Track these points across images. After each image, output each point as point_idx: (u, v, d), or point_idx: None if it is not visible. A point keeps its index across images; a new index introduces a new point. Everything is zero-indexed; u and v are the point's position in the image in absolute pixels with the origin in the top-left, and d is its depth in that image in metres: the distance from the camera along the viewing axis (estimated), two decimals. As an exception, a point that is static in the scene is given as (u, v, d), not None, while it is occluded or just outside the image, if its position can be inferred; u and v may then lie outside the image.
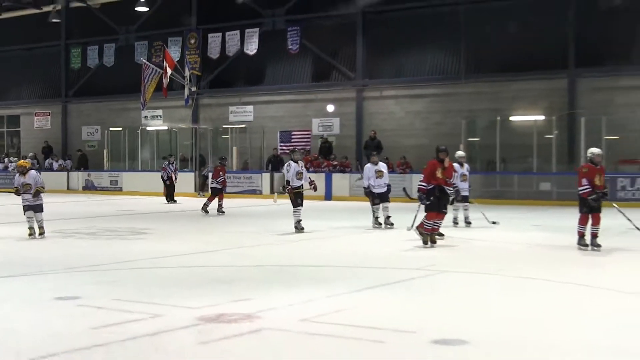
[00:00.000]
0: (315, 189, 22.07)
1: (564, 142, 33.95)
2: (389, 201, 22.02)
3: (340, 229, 21.70)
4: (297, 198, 20.70)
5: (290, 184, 20.74)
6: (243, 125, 42.68)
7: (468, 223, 21.78)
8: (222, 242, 18.79)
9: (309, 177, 22.09)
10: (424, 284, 12.54)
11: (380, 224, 21.66)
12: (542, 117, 34.64)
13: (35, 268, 13.81)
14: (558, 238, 19.14)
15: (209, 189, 28.85)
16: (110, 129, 45.56)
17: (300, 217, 20.61)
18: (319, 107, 40.98)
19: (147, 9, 44.17)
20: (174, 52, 42.94)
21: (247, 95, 43.18)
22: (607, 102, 33.83)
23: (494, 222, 21.55)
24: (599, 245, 16.25)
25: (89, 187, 43.53)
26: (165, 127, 45.02)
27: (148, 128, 45.12)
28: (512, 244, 18.03)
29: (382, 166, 22.38)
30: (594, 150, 17.05)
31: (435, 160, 17.23)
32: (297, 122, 41.15)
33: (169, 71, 39.27)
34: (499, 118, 34.19)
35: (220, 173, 28.24)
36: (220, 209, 27.60)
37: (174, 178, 34.96)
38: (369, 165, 22.48)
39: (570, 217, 24.61)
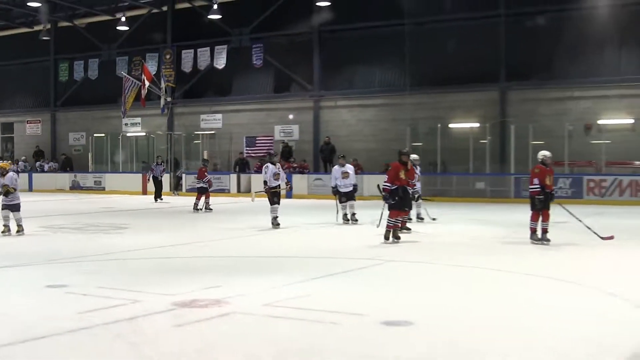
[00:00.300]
0: (290, 188, 22.27)
1: (496, 147, 34.19)
2: (354, 199, 21.69)
3: (301, 224, 21.64)
4: (273, 197, 20.52)
5: (268, 184, 20.58)
6: (213, 132, 42.71)
7: (420, 219, 21.77)
8: (196, 235, 18.74)
9: (285, 178, 21.96)
10: (374, 272, 12.59)
11: (348, 220, 21.46)
12: (477, 125, 34.88)
13: (27, 259, 13.75)
14: (492, 230, 19.34)
15: (196, 189, 28.21)
16: (94, 135, 45.34)
17: (277, 214, 20.44)
18: (280, 115, 41.00)
19: (127, 28, 44.13)
20: (151, 67, 42.68)
21: (217, 104, 43.11)
22: (533, 112, 34.11)
23: (433, 219, 21.66)
24: (548, 240, 16.09)
25: (76, 187, 43.21)
26: (144, 133, 44.80)
27: (128, 134, 44.91)
28: (452, 236, 18.13)
29: (349, 168, 22.12)
30: (545, 152, 16.90)
31: (398, 162, 16.96)
32: (261, 129, 41.11)
33: (147, 83, 39.16)
34: (439, 125, 34.31)
35: (206, 174, 27.97)
36: (207, 207, 27.26)
37: (160, 178, 34.87)
38: (336, 167, 22.35)
39: (501, 212, 24.93)
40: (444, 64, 35.98)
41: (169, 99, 41.70)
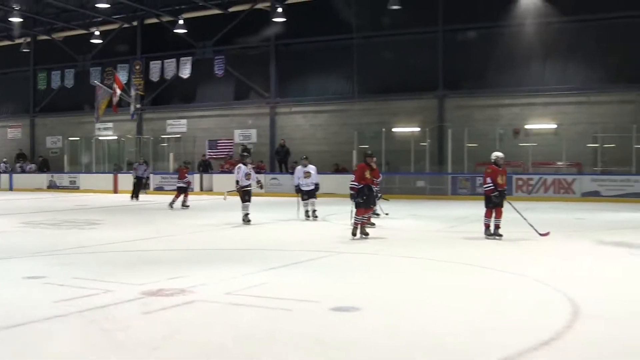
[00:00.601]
0: (261, 187, 21.85)
1: (435, 149, 34.44)
2: (315, 198, 21.34)
3: (260, 219, 21.53)
4: (245, 195, 20.35)
5: (240, 183, 20.46)
6: (178, 135, 42.52)
7: (376, 215, 21.48)
8: (164, 230, 18.52)
9: (257, 177, 21.70)
10: (327, 262, 12.57)
11: (309, 216, 21.07)
12: (417, 129, 35.08)
13: (6, 253, 13.52)
14: (434, 224, 19.43)
15: (176, 188, 27.62)
16: (70, 138, 44.87)
17: (248, 211, 20.24)
18: (240, 120, 40.98)
19: (100, 41, 43.84)
20: (122, 76, 42.45)
21: (182, 110, 43.01)
22: (468, 117, 34.44)
23: (386, 214, 21.57)
24: (500, 235, 15.87)
25: (52, 186, 42.65)
26: (115, 137, 44.43)
27: (100, 138, 44.47)
28: (397, 230, 18.11)
29: (311, 168, 21.62)
30: (498, 153, 16.58)
31: (363, 163, 16.67)
32: (223, 133, 41.07)
33: (118, 91, 39.12)
34: (383, 129, 34.37)
35: (186, 175, 27.54)
36: (184, 204, 26.58)
37: (144, 178, 34.62)
38: (299, 167, 21.91)
39: (440, 208, 24.98)
40: (389, 74, 36.34)
41: (138, 106, 41.78)
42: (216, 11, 39.83)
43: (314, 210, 21.22)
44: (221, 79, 40.89)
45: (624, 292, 9.67)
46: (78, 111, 45.72)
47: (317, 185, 21.48)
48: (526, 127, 33.62)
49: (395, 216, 21.64)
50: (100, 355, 6.65)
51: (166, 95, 43.60)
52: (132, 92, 41.21)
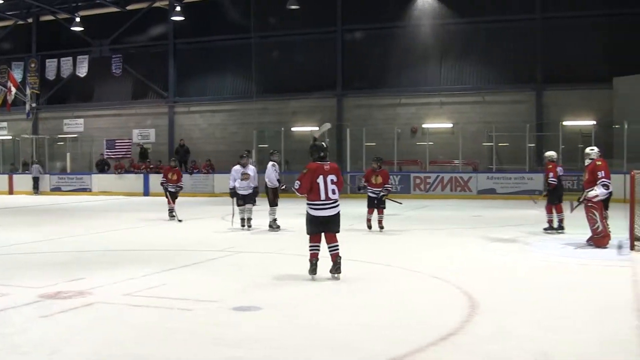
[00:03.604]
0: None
1: (334, 147, 34.55)
2: (253, 204, 18.35)
3: (158, 219, 21.32)
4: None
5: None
6: (75, 135, 41.79)
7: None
8: (61, 231, 18.07)
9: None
10: (227, 262, 12.57)
11: (244, 225, 18.10)
12: (316, 128, 35.04)
13: None
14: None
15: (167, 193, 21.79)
16: (-39, 137, 43.71)
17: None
18: (138, 120, 40.64)
19: (-7, 38, 42.78)
20: (17, 74, 41.73)
21: (79, 110, 42.31)
22: (366, 116, 34.81)
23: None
24: (382, 227, 16.80)
25: (-56, 188, 41.50)
26: (10, 137, 43.28)
27: (-6, 137, 43.41)
28: (298, 229, 18.01)
29: (250, 169, 18.35)
30: (375, 158, 17.91)
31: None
32: (121, 132, 40.57)
33: (13, 90, 38.38)
34: (282, 129, 34.44)
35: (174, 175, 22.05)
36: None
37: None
38: (237, 167, 18.39)
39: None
40: (287, 74, 36.59)
41: (34, 105, 41.12)
42: (113, 9, 39.36)
43: (249, 219, 18.30)
44: (119, 78, 40.42)
45: (519, 286, 9.98)
46: (-30, 110, 44.47)
47: (255, 190, 18.64)
48: (423, 126, 34.18)
49: (294, 215, 21.65)
50: (-2, 359, 6.54)
51: (63, 94, 42.87)
52: (28, 91, 40.55)
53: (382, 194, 17.01)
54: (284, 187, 11.31)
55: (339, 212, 10.64)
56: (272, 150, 19.43)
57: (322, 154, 10.86)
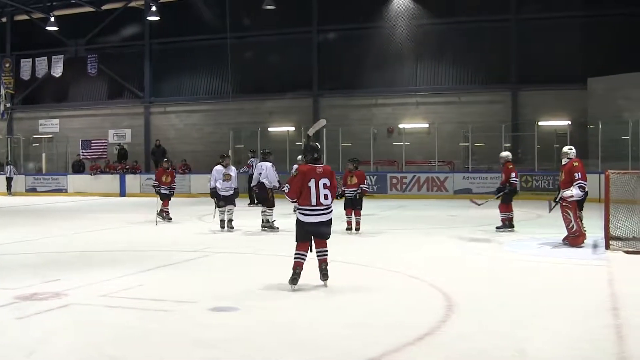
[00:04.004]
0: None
1: (310, 148, 34.60)
2: (234, 205, 18.11)
3: (136, 220, 21.20)
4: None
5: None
6: (51, 135, 41.55)
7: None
8: (37, 232, 17.93)
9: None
10: (203, 262, 12.56)
11: (224, 227, 17.72)
12: (292, 128, 35.20)
13: None
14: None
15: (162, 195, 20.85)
16: None
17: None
18: (113, 120, 40.50)
19: (-34, 37, 42.51)
20: (-10, 74, 41.39)
21: (54, 110, 42.05)
22: (342, 117, 34.80)
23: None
24: (358, 229, 16.73)
25: None
26: (-16, 137, 43.10)
27: (-32, 137, 43.08)
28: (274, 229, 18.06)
29: (232, 170, 18.23)
30: (350, 159, 17.79)
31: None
32: (96, 133, 40.39)
33: (-14, 90, 38.06)
34: (259, 129, 34.38)
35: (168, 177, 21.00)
36: (160, 213, 20.41)
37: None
38: (219, 167, 18.16)
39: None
40: (264, 74, 36.58)
41: (8, 105, 40.89)
42: (89, 9, 39.14)
43: (230, 220, 17.96)
44: (95, 78, 40.32)
45: (495, 285, 10.03)
46: (-56, 110, 44.10)
47: (236, 190, 18.36)
48: (400, 126, 34.24)
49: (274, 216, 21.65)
50: (-26, 361, 6.50)
51: (38, 94, 42.60)
52: (2, 91, 40.37)
53: (357, 192, 17.03)
54: (285, 189, 9.99)
55: (331, 219, 9.96)
56: (268, 150, 18.69)
57: (316, 154, 10.05)
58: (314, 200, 9.72)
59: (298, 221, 9.93)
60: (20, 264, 12.31)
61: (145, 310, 8.46)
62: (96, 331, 7.46)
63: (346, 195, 16.99)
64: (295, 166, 17.11)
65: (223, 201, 17.92)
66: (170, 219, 20.30)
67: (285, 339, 7.14)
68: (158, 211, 19.95)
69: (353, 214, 16.93)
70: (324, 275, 9.82)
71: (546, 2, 32.37)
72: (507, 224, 16.76)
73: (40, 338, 7.21)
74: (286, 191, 9.99)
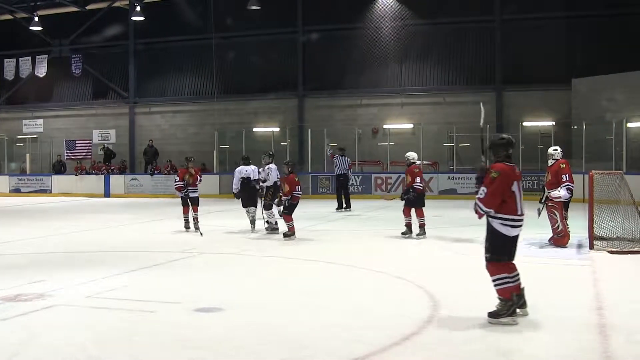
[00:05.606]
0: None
1: (295, 148, 34.70)
2: (255, 206, 17.51)
3: (123, 220, 21.16)
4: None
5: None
6: (35, 136, 41.34)
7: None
8: (20, 233, 17.93)
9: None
10: (188, 263, 12.54)
11: (192, 228, 17.30)
12: (277, 129, 35.21)
13: None
14: (295, 223, 19.37)
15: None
16: None
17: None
18: (98, 120, 40.36)
19: (-51, 37, 42.17)
20: (-26, 74, 41.21)
21: (38, 110, 41.85)
22: (327, 117, 34.89)
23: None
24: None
25: None
26: (-33, 137, 42.91)
27: (-49, 138, 42.84)
28: (260, 230, 17.96)
29: (272, 168, 17.26)
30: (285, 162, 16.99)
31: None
32: (81, 133, 40.36)
33: (-30, 90, 37.89)
34: (244, 129, 34.36)
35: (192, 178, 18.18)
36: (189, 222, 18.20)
37: None
38: (241, 167, 17.77)
39: (301, 207, 24.97)
40: (249, 74, 36.58)
41: (-9, 105, 40.49)
42: (73, 8, 38.91)
43: (253, 221, 17.59)
44: (79, 78, 40.18)
45: (480, 286, 9.94)
46: None
47: (270, 188, 17.30)
48: (384, 127, 34.26)
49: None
50: (-43, 362, 6.48)
51: (22, 95, 42.30)
52: (-15, 91, 40.13)
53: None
54: (480, 195, 8.62)
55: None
56: (271, 152, 17.87)
57: (510, 150, 8.45)
58: (519, 209, 8.03)
59: (500, 235, 8.05)
60: (4, 265, 12.27)
61: (129, 311, 8.43)
62: (80, 332, 7.45)
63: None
64: (273, 166, 17.07)
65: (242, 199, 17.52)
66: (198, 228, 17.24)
67: (269, 339, 7.14)
68: (194, 220, 17.47)
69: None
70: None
71: (530, 3, 32.44)
72: (407, 229, 15.95)
73: (24, 339, 7.19)
74: (482, 197, 7.97)
